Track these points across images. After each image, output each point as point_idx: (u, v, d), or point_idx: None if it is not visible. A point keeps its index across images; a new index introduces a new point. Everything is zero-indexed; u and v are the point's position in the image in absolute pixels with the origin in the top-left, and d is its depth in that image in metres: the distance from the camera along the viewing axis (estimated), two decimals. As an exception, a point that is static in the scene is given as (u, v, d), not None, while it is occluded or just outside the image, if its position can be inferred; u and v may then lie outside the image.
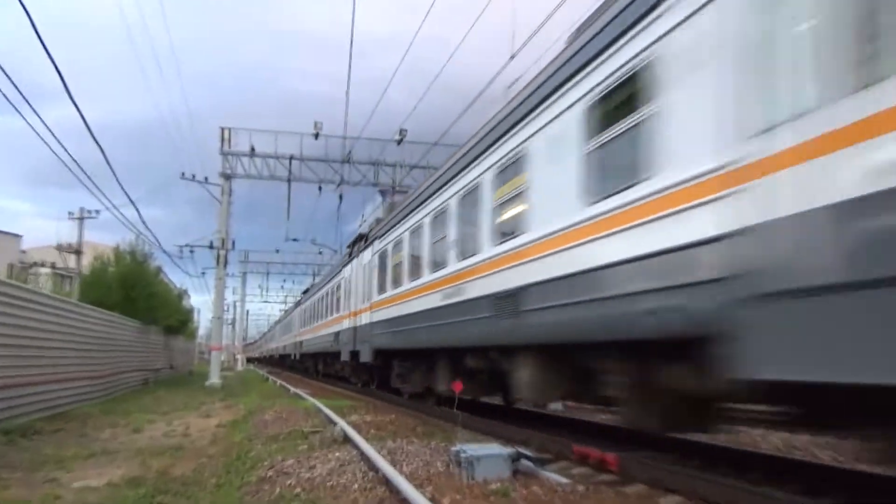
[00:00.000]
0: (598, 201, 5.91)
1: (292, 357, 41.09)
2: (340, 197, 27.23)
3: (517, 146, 7.32)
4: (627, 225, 5.15)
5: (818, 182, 3.22)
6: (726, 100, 4.10)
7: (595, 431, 7.60)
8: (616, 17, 5.29)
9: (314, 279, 41.39)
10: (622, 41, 5.39)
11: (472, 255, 8.83)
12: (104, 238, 64.36)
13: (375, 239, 16.30)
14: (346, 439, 9.21)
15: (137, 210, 60.09)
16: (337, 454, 8.10)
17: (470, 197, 9.15)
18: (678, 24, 4.79)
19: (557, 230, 6.27)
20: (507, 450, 7.25)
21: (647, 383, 5.43)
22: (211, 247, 27.57)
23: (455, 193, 9.77)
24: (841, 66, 3.39)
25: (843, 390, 3.04)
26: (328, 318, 24.77)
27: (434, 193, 10.96)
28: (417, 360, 13.04)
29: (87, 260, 28.57)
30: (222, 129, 26.47)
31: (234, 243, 28.07)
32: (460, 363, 10.00)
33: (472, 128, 9.23)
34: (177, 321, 32.58)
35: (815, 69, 3.60)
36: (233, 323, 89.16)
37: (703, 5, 4.49)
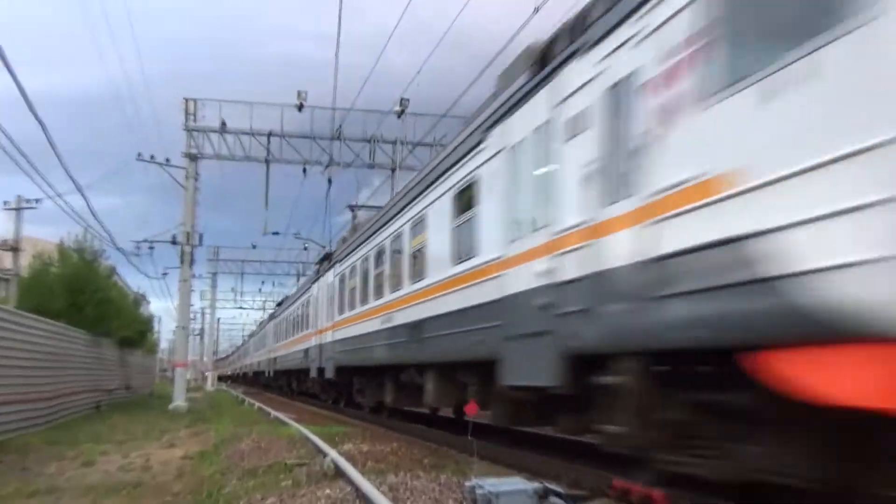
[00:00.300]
0: (458, 263, 9.95)
1: (266, 374, 45.34)
2: (329, 181, 27.00)
3: (420, 210, 11.53)
4: (469, 283, 9.11)
5: (518, 278, 7.34)
6: (502, 215, 8.17)
7: (632, 463, 6.72)
8: (463, 142, 9.74)
9: (298, 280, 41.03)
10: (466, 159, 9.60)
11: (398, 290, 12.87)
12: (46, 233, 64.63)
13: (337, 262, 20.56)
14: (339, 473, 9.15)
15: (86, 199, 59.54)
16: (327, 491, 8.01)
17: (398, 240, 13.16)
18: (485, 161, 8.86)
19: (437, 280, 10.47)
20: (533, 485, 7.11)
21: (489, 391, 9.07)
22: (174, 242, 27.21)
23: (389, 235, 13.83)
24: (513, 226, 8.12)
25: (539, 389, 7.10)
26: (299, 334, 28.66)
27: (376, 232, 15.38)
28: (370, 377, 17.23)
29: (25, 259, 28.23)
30: (186, 101, 25.81)
31: (201, 238, 27.73)
32: (398, 379, 13.74)
33: (487, 95, 10.64)
34: (134, 332, 32.09)
35: (516, 217, 7.95)
36: (201, 334, 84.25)
37: (496, 153, 8.50)
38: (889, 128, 3.73)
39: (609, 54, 6.62)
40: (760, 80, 4.66)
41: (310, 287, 27.09)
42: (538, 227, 7.77)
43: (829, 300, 3.85)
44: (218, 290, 64.61)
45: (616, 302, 6.17)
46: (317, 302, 24.68)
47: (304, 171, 25.60)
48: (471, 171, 9.77)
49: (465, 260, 9.90)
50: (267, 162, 25.38)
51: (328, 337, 21.25)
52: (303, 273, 44.25)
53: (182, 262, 26.75)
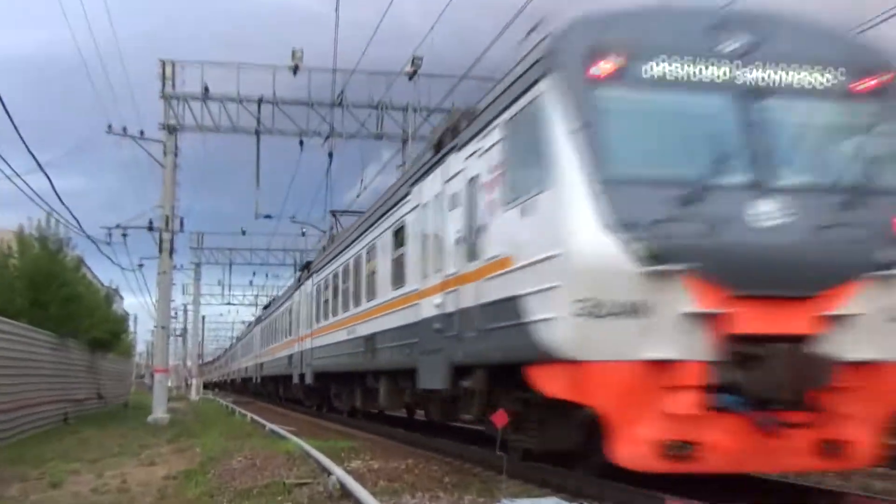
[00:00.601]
0: (396, 289, 14.11)
1: (254, 380, 50.11)
2: (330, 155, 27.05)
3: (373, 239, 16.20)
4: (401, 307, 13.06)
5: (426, 307, 11.34)
6: (419, 256, 12.02)
7: (683, 480, 8.45)
8: (399, 188, 14.00)
9: (295, 270, 42.15)
10: (399, 205, 13.79)
11: (358, 305, 17.52)
12: (3, 219, 64.56)
13: (314, 272, 25.49)
14: (346, 494, 9.20)
15: (49, 178, 59.14)
16: (333, 515, 8.58)
17: (359, 262, 17.88)
18: (409, 211, 12.96)
19: (384, 300, 14.63)
20: (570, 506, 7.83)
21: (417, 393, 13.59)
22: (151, 228, 26.98)
23: (350, 257, 18.81)
24: (424, 266, 12.55)
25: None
26: (284, 339, 33.32)
27: (344, 250, 20.25)
28: (343, 382, 21.67)
29: (-21, 250, 31.09)
30: (163, 64, 25.47)
31: (182, 223, 27.40)
32: (364, 384, 18.04)
33: (512, 55, 12.31)
34: (106, 333, 32.16)
35: (426, 260, 12.19)
36: (183, 335, 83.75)
37: (414, 207, 12.66)
38: (552, 247, 8.10)
39: (468, 157, 10.84)
40: (521, 203, 9.00)
41: (292, 294, 32.00)
42: (436, 270, 12.10)
43: (543, 338, 8.11)
44: (203, 284, 64.07)
45: (471, 331, 10.36)
46: (298, 309, 28.92)
47: (301, 143, 25.71)
48: (401, 216, 14.63)
49: (399, 287, 14.55)
50: (257, 133, 25.18)
51: (308, 344, 25.73)
52: (298, 262, 44.52)
53: (161, 250, 26.54)
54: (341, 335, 19.97)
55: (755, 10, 9.46)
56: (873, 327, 8.36)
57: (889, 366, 8.43)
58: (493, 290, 9.78)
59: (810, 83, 9.12)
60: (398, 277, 14.52)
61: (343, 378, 21.23)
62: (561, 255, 8.27)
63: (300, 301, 28.75)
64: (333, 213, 28.80)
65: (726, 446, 8.15)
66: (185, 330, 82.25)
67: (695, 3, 9.48)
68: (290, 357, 30.21)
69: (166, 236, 26.57)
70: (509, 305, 9.22)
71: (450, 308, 11.30)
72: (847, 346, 8.28)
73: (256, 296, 72.38)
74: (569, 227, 8.25)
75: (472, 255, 10.59)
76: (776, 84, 9.07)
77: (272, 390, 42.76)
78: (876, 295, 8.35)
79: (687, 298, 8.03)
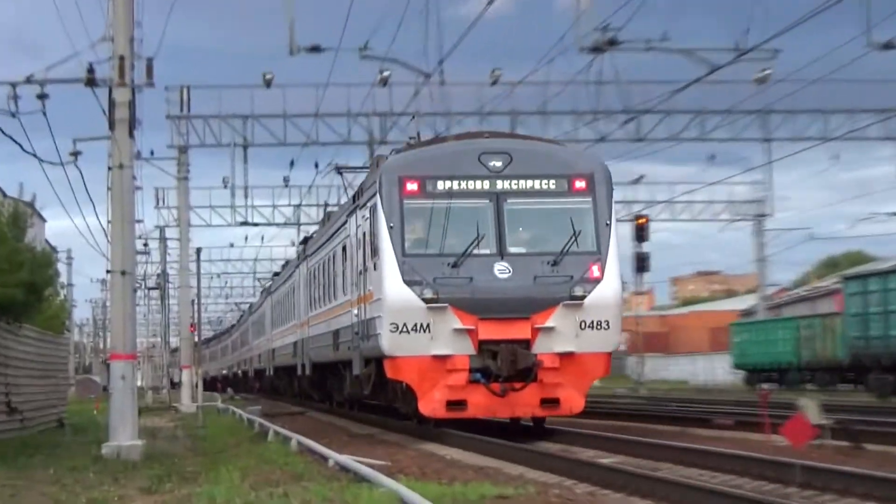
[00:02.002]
0: (345, 295, 30.39)
1: (267, 373, 57.43)
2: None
3: (334, 246, 32.73)
4: (347, 310, 29.42)
5: (353, 314, 28.88)
6: (350, 274, 29.61)
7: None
8: (340, 217, 32.02)
9: (372, 153, 43.09)
10: (342, 228, 30.88)
11: (329, 302, 32.81)
12: None
13: (308, 256, 37.26)
14: None
15: None
16: None
17: (326, 263, 33.77)
18: (345, 237, 30.32)
19: (340, 302, 30.98)
20: None
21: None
22: (92, 81, 23.81)
23: (326, 254, 33.55)
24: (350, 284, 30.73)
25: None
26: (290, 322, 44.02)
27: (320, 248, 34.84)
28: (332, 372, 33.26)
29: None
30: None
31: (151, 68, 24.10)
32: (346, 373, 30.50)
33: None
34: (15, 288, 30.02)
35: (350, 279, 30.42)
36: (161, 288, 67.61)
37: (346, 236, 30.32)
38: (378, 293, 24.37)
39: (362, 218, 25.92)
40: (372, 261, 25.22)
41: (294, 271, 42.20)
42: (355, 287, 26.42)
43: (380, 344, 23.79)
44: (196, 188, 55.02)
45: (366, 336, 25.41)
46: (299, 290, 39.74)
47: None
48: (342, 239, 28.29)
49: (345, 294, 27.77)
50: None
51: (307, 332, 37.28)
52: (380, 138, 47.03)
53: (112, 124, 24.86)
54: (320, 328, 33.57)
55: (509, 140, 24.82)
56: (568, 333, 21.97)
57: (582, 354, 22.13)
58: (369, 312, 23.68)
59: (539, 187, 22.96)
60: (344, 286, 28.48)
61: (329, 368, 34.00)
62: (381, 298, 22.25)
63: (299, 282, 38.33)
64: (339, 170, 35.91)
65: (481, 402, 21.88)
66: (162, 279, 66.70)
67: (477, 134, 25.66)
68: (295, 345, 38.26)
69: (121, 95, 22.21)
70: (372, 323, 23.21)
71: (361, 317, 24.98)
72: (553, 344, 21.89)
73: (298, 205, 58.85)
74: (385, 282, 22.08)
75: (365, 284, 24.41)
76: (518, 189, 22.85)
77: (285, 384, 49.67)
78: (569, 314, 22.05)
79: (454, 320, 21.72)
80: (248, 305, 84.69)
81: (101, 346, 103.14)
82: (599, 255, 23.22)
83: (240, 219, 62.62)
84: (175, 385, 69.17)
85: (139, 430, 24.79)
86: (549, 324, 22.13)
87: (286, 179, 57.45)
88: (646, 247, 54.39)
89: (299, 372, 38.57)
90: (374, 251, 23.56)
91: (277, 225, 65.03)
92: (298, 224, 62.15)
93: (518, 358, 21.90)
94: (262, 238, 76.27)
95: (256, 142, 50.48)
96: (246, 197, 56.96)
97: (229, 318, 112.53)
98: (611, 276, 23.31)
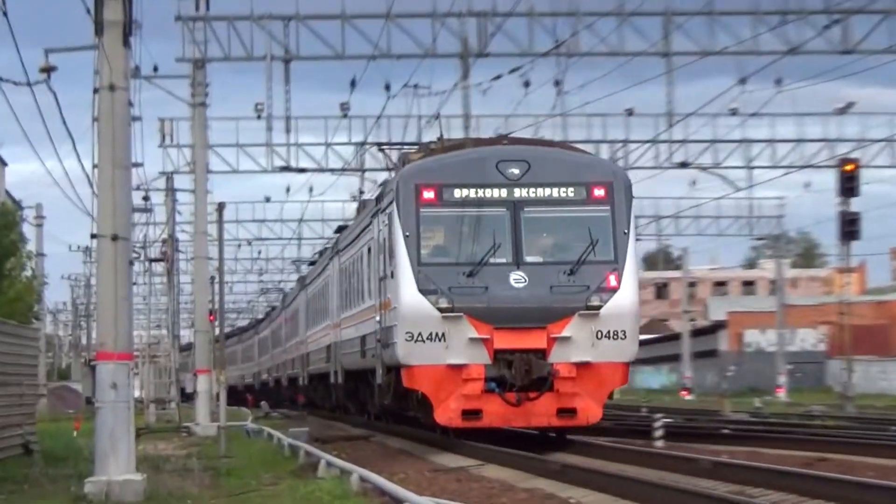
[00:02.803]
0: (370, 299, 44.08)
1: (300, 381, 68.30)
2: None
3: (358, 249, 48.18)
4: (369, 317, 43.42)
5: (379, 320, 41.11)
6: (373, 279, 42.58)
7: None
8: (361, 223, 47.30)
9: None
10: (366, 231, 44.64)
11: (354, 307, 48.23)
12: None
13: (339, 251, 50.07)
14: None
15: None
16: None
17: (352, 265, 50.31)
18: (369, 239, 44.04)
19: (366, 306, 44.41)
20: None
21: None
22: None
23: (356, 252, 48.65)
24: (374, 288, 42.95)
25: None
26: (323, 323, 54.73)
27: (349, 245, 49.32)
28: (366, 380, 42.96)
29: None
30: None
31: None
32: (373, 382, 41.30)
33: None
34: None
35: (374, 284, 43.19)
36: (168, 260, 66.83)
37: (370, 238, 43.96)
38: (395, 302, 35.56)
39: (382, 224, 37.33)
40: (390, 270, 36.57)
41: (327, 264, 53.04)
42: (377, 296, 38.41)
43: (395, 353, 34.44)
44: (216, 120, 57.37)
45: (386, 344, 36.92)
46: (332, 287, 50.44)
47: None
48: (367, 241, 40.28)
49: (370, 298, 40.13)
50: None
51: (339, 335, 46.51)
52: (478, 48, 49.99)
53: (99, 27, 24.41)
54: (351, 332, 42.71)
55: (527, 148, 34.46)
56: (585, 343, 30.89)
57: (599, 364, 31.02)
58: (388, 319, 33.22)
59: (557, 195, 32.08)
60: (370, 290, 38.10)
61: (359, 377, 43.87)
62: (397, 307, 31.84)
63: (332, 279, 48.53)
64: (381, 148, 46.51)
65: (497, 412, 30.88)
66: (170, 247, 65.48)
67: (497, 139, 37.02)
68: (328, 349, 48.22)
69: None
70: (390, 331, 32.82)
71: (382, 324, 34.49)
72: (570, 353, 30.79)
73: (362, 143, 59.84)
74: (401, 291, 31.57)
75: (385, 291, 33.81)
76: (535, 198, 32.07)
77: (323, 395, 58.83)
78: (585, 324, 31.03)
79: (470, 329, 30.84)
80: (289, 288, 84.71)
81: (84, 341, 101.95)
82: (617, 265, 31.00)
83: (279, 163, 62.88)
84: (187, 397, 69.31)
85: (137, 461, 26.05)
86: (565, 333, 30.17)
87: (344, 107, 57.76)
88: (855, 204, 52.50)
89: (332, 380, 49.87)
90: (391, 259, 32.00)
91: (332, 171, 65.21)
92: (362, 170, 61.16)
93: (533, 367, 29.90)
94: (311, 190, 76.24)
95: (303, 54, 51.41)
96: (288, 132, 58.19)
97: (264, 304, 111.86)
98: (628, 285, 31.05)
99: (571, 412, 30.87)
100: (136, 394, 36.41)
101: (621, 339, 31.22)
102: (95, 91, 25.87)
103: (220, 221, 49.96)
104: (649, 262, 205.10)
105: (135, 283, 42.68)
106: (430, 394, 31.04)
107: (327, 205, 79.18)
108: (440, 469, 30.69)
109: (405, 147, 44.87)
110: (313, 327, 60.48)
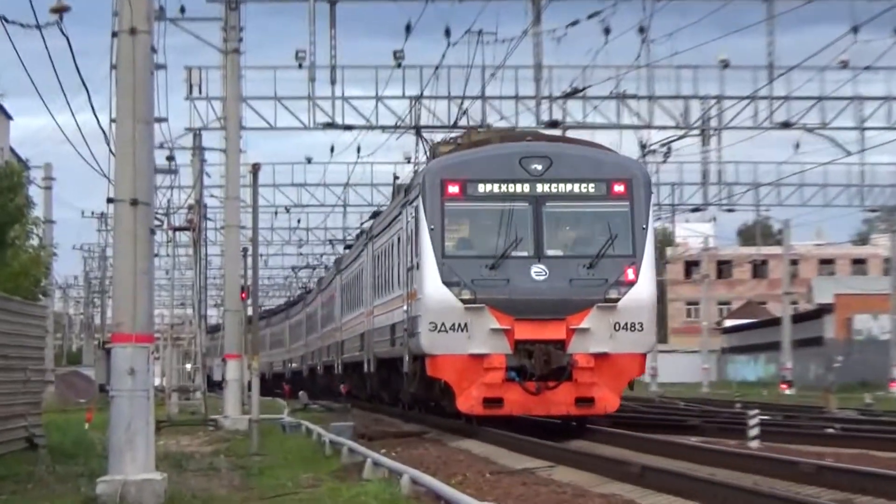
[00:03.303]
0: (400, 289, 54.62)
1: (335, 370, 74.27)
2: None
3: (390, 236, 58.98)
4: (400, 304, 53.42)
5: (404, 310, 51.11)
6: (403, 268, 51.49)
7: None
8: (392, 212, 58.37)
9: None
10: (397, 219, 54.10)
11: (388, 294, 58.06)
12: None
13: (373, 237, 58.42)
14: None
15: None
16: None
17: (387, 251, 59.42)
18: (399, 229, 54.00)
19: (393, 296, 55.70)
20: None
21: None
22: None
23: (389, 238, 57.55)
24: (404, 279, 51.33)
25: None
26: (357, 311, 62.34)
27: (382, 232, 58.88)
28: (396, 369, 51.51)
29: None
30: None
31: None
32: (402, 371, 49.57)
33: None
34: None
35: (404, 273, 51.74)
36: (195, 229, 66.83)
37: (399, 228, 53.10)
38: (419, 293, 43.79)
39: (409, 216, 45.50)
40: (415, 262, 44.74)
41: (362, 250, 59.99)
42: (405, 286, 46.43)
43: (420, 342, 42.84)
44: (257, 66, 59.11)
45: (412, 333, 45.76)
46: (366, 273, 57.01)
47: None
48: (397, 230, 47.93)
49: (399, 287, 48.01)
50: None
51: (372, 322, 54.53)
52: None
53: None
54: (383, 319, 49.35)
55: (549, 144, 41.81)
56: (603, 334, 37.40)
57: (617, 355, 37.54)
58: (414, 310, 40.17)
59: (578, 191, 38.79)
60: (400, 279, 45.13)
61: (390, 365, 50.44)
62: (421, 298, 38.92)
63: (366, 266, 55.85)
64: (419, 131, 54.01)
65: (517, 400, 37.37)
66: (197, 214, 66.08)
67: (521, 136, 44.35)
68: (362, 337, 56.28)
69: None
70: (415, 321, 39.93)
71: (409, 314, 41.59)
72: (588, 344, 37.35)
73: (418, 97, 60.55)
74: (425, 282, 38.61)
75: (412, 282, 40.56)
76: (557, 193, 38.75)
77: (357, 385, 67.10)
78: (603, 316, 37.62)
79: (491, 320, 37.50)
80: (333, 262, 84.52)
81: (98, 320, 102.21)
82: (635, 259, 36.79)
83: (323, 118, 62.79)
84: (215, 386, 69.33)
85: (157, 458, 26.10)
86: (583, 325, 35.79)
87: (398, 56, 58.01)
88: None
89: (365, 369, 57.94)
90: (417, 250, 37.98)
91: (383, 128, 64.64)
92: (417, 127, 60.40)
93: (552, 358, 35.49)
94: (359, 150, 75.93)
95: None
96: (333, 83, 58.20)
97: (305, 280, 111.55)
98: (645, 278, 37.02)
99: (589, 401, 36.53)
100: (157, 381, 36.20)
101: (638, 331, 37.09)
102: (114, 35, 26.00)
103: (254, 185, 50.13)
104: (745, 236, 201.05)
105: (156, 255, 42.82)
106: (453, 382, 36.91)
107: (377, 167, 78.44)
108: (503, 471, 30.39)
109: (444, 130, 53.10)
110: (348, 314, 68.70)
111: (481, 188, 38.41)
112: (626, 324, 37.58)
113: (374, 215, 63.82)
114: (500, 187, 38.36)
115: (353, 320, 65.15)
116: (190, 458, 34.67)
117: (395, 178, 71.81)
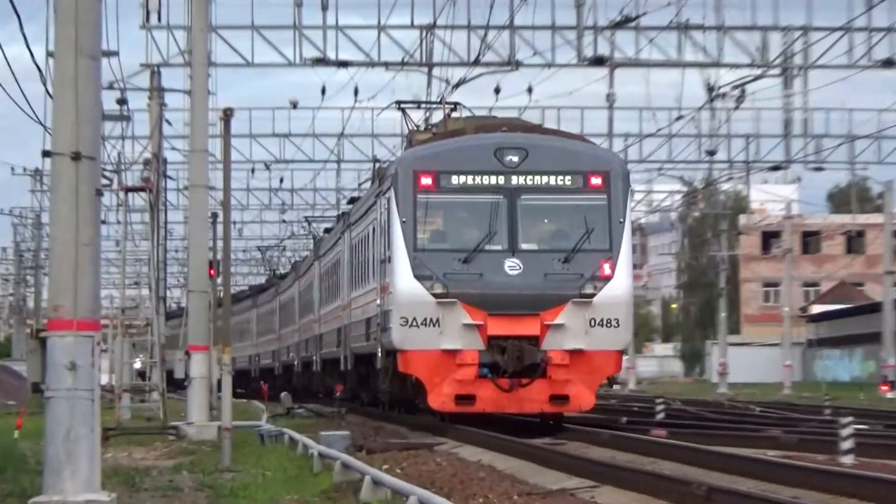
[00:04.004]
0: (373, 281, 69.20)
1: (314, 367, 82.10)
2: None
3: (366, 225, 75.10)
4: (374, 298, 68.12)
5: (377, 302, 64.97)
6: (377, 260, 67.04)
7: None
8: (368, 201, 75.54)
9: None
10: (370, 211, 73.03)
11: (363, 286, 75.32)
12: None
13: (351, 224, 71.26)
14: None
15: None
16: None
17: (363, 241, 78.19)
18: (373, 219, 72.19)
19: (368, 289, 73.88)
20: None
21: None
22: None
23: (364, 229, 75.72)
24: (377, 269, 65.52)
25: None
26: (335, 303, 73.50)
27: (357, 221, 74.59)
28: (372, 365, 61.36)
29: None
30: None
31: None
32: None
33: None
34: None
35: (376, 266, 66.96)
36: (153, 190, 68.70)
37: (373, 219, 70.12)
38: (391, 287, 55.67)
39: (382, 207, 57.90)
40: (387, 255, 57.10)
41: (340, 237, 67.84)
42: (378, 279, 59.59)
43: (391, 338, 54.03)
44: None
45: (383, 327, 59.42)
46: (343, 264, 67.63)
47: None
48: (371, 220, 61.38)
49: (374, 279, 61.65)
50: None
51: (349, 316, 65.49)
52: None
53: None
54: (359, 313, 60.00)
55: (525, 136, 50.57)
56: (578, 330, 45.92)
57: (592, 352, 46.21)
58: (386, 303, 51.01)
59: (554, 183, 47.78)
60: (374, 272, 55.73)
61: (366, 362, 57.88)
62: (393, 292, 48.72)
63: (344, 253, 65.02)
64: (400, 106, 61.99)
65: (490, 397, 45.76)
66: (154, 171, 67.33)
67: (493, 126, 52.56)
68: (339, 331, 64.12)
69: None
70: (387, 315, 50.71)
71: (382, 308, 51.26)
72: (563, 341, 46.00)
73: (431, 26, 62.55)
74: (396, 276, 47.97)
75: (384, 275, 50.87)
76: (532, 185, 47.86)
77: (335, 383, 73.87)
78: (579, 311, 46.22)
79: (464, 315, 46.04)
80: (321, 233, 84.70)
81: (31, 304, 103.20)
82: (612, 253, 42.69)
83: (312, 53, 65.12)
84: (176, 385, 69.31)
85: (105, 474, 26.68)
86: (558, 321, 41.62)
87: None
88: None
89: (342, 366, 65.01)
90: (389, 243, 43.67)
91: (386, 66, 65.98)
92: (430, 64, 61.33)
93: (525, 354, 41.31)
94: (356, 92, 76.74)
95: None
96: (324, 9, 57.93)
97: (289, 255, 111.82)
98: (622, 273, 42.82)
99: (564, 399, 42.84)
100: (104, 379, 36.04)
101: (615, 327, 43.26)
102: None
103: (226, 135, 50.17)
104: (837, 200, 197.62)
105: (104, 222, 42.63)
106: (424, 378, 43.13)
107: (380, 120, 78.46)
108: (534, 491, 30.62)
109: (426, 105, 62.36)
110: (326, 306, 77.62)
111: (455, 180, 44.68)
112: (602, 320, 43.47)
113: (352, 201, 74.33)
114: (474, 179, 44.68)
115: (331, 313, 74.25)
116: (145, 475, 35.20)
117: (375, 160, 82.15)
